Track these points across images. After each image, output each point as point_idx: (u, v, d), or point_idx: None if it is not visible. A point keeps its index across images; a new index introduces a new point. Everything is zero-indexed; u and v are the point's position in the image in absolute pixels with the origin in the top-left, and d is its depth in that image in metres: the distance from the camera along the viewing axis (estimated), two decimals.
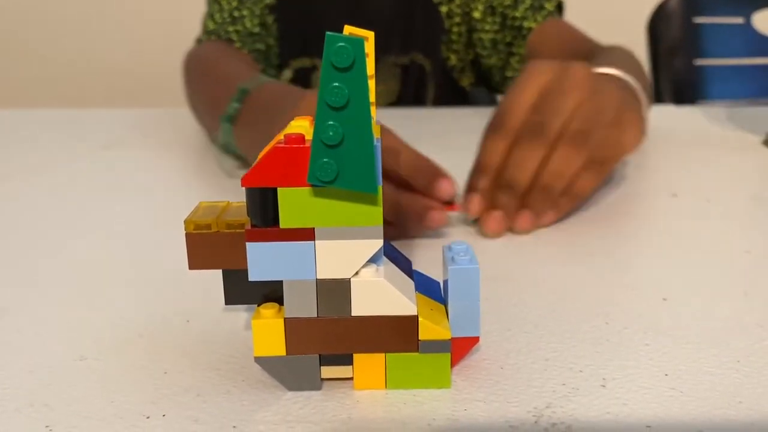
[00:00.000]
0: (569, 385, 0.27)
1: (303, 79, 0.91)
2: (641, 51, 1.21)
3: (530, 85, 0.45)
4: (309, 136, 0.25)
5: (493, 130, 0.45)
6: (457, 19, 0.93)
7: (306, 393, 0.27)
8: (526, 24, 0.85)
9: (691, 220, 0.46)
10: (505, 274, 0.38)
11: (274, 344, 0.26)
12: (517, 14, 0.86)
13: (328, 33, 0.22)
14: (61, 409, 0.26)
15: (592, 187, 0.46)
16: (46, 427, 0.25)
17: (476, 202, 0.43)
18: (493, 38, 0.89)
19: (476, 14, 0.90)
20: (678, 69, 1.18)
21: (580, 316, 0.33)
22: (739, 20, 1.19)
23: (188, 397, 0.27)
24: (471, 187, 0.44)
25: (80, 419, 0.25)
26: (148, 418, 0.25)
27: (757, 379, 0.27)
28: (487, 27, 0.89)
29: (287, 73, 0.93)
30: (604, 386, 0.27)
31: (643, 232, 0.44)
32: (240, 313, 0.33)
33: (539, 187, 0.44)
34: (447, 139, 0.73)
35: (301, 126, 0.27)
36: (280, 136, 0.26)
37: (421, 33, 0.94)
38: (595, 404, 0.26)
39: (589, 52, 0.78)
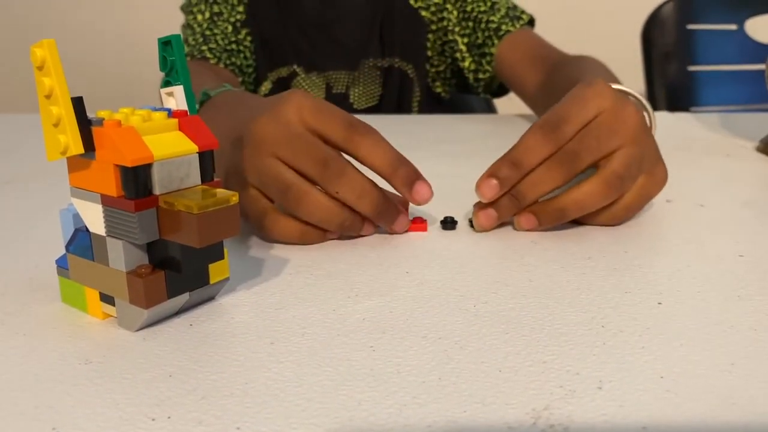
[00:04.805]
0: (566, 388, 0.28)
1: (284, 88, 0.92)
2: (635, 57, 1.22)
3: (592, 107, 0.44)
4: (125, 122, 0.31)
5: (543, 131, 0.44)
6: (433, 27, 0.94)
7: (308, 395, 0.27)
8: (504, 27, 0.87)
9: (685, 225, 0.47)
10: (502, 278, 0.38)
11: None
12: (494, 18, 0.88)
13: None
14: (67, 411, 0.26)
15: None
16: (53, 429, 0.25)
17: (491, 187, 0.43)
18: (468, 41, 0.90)
19: (452, 18, 0.91)
20: (672, 75, 1.19)
21: (576, 319, 0.33)
22: (732, 27, 1.20)
23: (192, 399, 0.27)
24: (492, 172, 0.44)
25: (85, 421, 0.26)
26: (153, 420, 0.26)
27: (751, 381, 0.28)
28: (461, 31, 0.91)
29: (266, 85, 0.94)
30: (600, 388, 0.28)
31: (638, 236, 0.45)
32: (241, 317, 0.34)
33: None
34: (440, 146, 0.73)
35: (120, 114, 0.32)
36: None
37: (401, 37, 0.94)
38: (591, 406, 0.26)
39: (557, 60, 0.81)
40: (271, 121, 0.42)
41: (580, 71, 0.68)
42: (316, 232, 0.43)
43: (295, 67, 0.93)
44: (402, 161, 0.43)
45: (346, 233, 0.44)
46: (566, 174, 0.43)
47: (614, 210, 0.45)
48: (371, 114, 0.93)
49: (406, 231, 0.45)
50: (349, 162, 0.42)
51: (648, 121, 0.52)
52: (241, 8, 0.91)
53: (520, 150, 0.44)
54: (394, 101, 0.96)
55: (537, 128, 0.44)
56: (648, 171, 0.46)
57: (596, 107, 0.44)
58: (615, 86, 0.53)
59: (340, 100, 0.94)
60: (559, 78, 0.73)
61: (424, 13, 0.93)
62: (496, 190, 0.43)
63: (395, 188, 0.43)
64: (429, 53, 0.95)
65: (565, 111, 0.44)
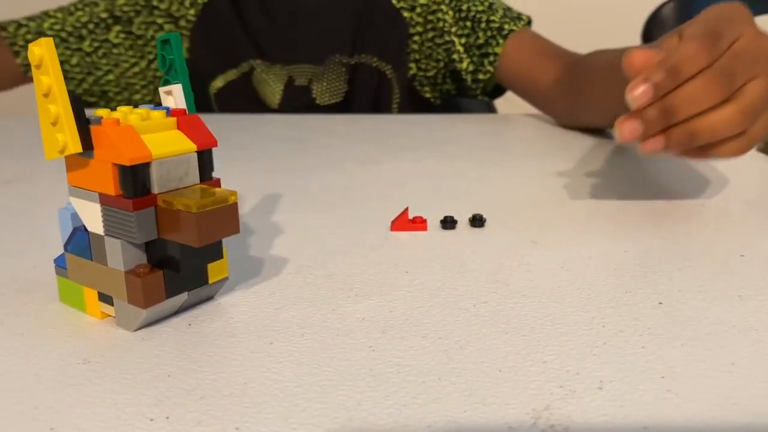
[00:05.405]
0: (567, 388, 0.27)
1: (243, 83, 0.93)
2: None
3: (738, 28, 0.43)
4: (123, 121, 0.31)
5: (704, 42, 0.42)
6: (419, 28, 0.92)
7: (308, 395, 0.27)
8: (507, 27, 0.87)
9: (686, 225, 0.47)
10: (502, 278, 0.38)
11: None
12: (495, 18, 0.87)
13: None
14: (65, 411, 0.26)
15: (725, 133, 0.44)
16: (51, 429, 0.25)
17: (644, 92, 0.41)
18: (466, 42, 0.90)
19: (448, 18, 0.90)
20: None
21: (576, 319, 0.33)
22: None
23: (191, 400, 0.27)
24: (647, 77, 0.41)
25: (84, 421, 0.26)
26: (151, 420, 0.26)
27: (752, 381, 0.28)
28: (458, 31, 0.90)
29: (218, 83, 0.93)
30: (601, 388, 0.27)
31: (638, 236, 0.45)
32: (240, 317, 0.34)
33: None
34: (439, 146, 0.73)
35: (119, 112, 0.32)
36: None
37: (378, 36, 0.93)
38: (592, 406, 0.26)
39: (577, 58, 0.81)
40: None
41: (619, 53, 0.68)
42: None
43: (253, 61, 0.93)
44: None
45: None
46: (723, 93, 0.42)
47: (740, 141, 0.45)
48: (348, 113, 0.92)
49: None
50: None
51: None
52: (192, 11, 0.90)
53: (679, 57, 0.41)
54: (367, 100, 0.94)
55: (698, 37, 0.42)
56: None
57: (740, 30, 0.43)
58: None
59: (302, 93, 0.92)
60: (595, 63, 0.73)
61: (406, 13, 0.92)
62: (649, 96, 0.41)
63: None
64: (416, 56, 0.94)
65: (717, 27, 0.43)
